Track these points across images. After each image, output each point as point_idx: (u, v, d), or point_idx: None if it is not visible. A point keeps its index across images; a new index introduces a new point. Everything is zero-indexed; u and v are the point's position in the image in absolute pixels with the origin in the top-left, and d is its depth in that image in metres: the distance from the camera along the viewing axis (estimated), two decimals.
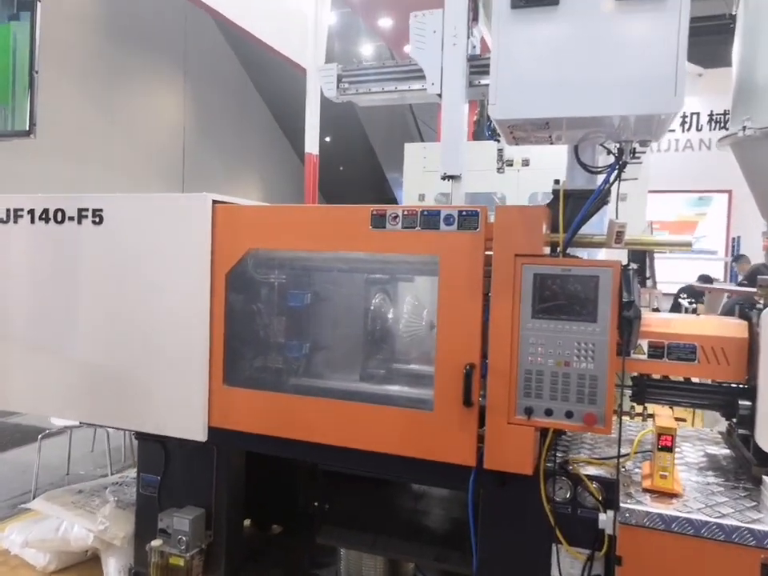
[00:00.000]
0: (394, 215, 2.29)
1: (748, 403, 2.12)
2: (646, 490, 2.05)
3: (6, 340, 2.98)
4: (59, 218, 2.82)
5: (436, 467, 2.26)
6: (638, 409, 2.38)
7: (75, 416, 3.07)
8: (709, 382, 2.31)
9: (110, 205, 2.75)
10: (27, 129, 2.73)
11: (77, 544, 3.12)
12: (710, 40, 7.37)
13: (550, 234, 2.21)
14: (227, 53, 13.97)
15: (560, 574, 2.13)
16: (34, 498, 3.54)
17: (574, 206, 2.18)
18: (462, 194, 3.00)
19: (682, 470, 2.24)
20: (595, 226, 2.31)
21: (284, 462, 2.86)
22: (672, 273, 7.78)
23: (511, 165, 4.51)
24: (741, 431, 2.25)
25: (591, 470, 2.18)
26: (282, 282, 2.78)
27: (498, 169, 3.33)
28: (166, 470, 2.86)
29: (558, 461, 2.20)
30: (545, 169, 4.05)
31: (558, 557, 2.14)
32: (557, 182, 2.27)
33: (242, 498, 2.93)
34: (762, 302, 2.26)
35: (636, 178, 3.31)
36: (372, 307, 2.67)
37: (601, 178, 2.22)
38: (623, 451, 2.16)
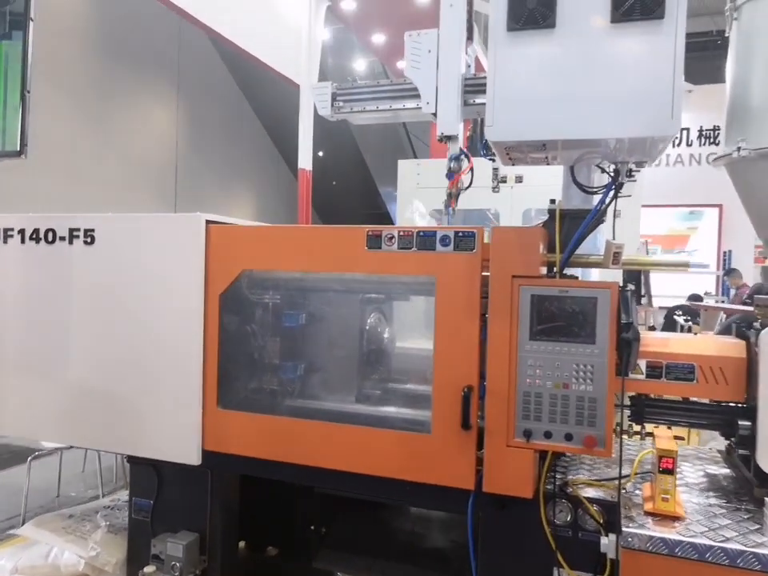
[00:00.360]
0: (389, 236, 2.27)
1: (748, 423, 2.10)
2: (647, 513, 2.02)
3: None
4: (50, 238, 2.77)
5: (434, 491, 2.23)
6: (636, 427, 2.36)
7: (66, 440, 3.02)
8: (707, 401, 2.30)
9: (102, 224, 2.70)
10: (18, 149, 2.70)
11: (67, 571, 3.03)
12: (698, 56, 7.49)
13: (546, 254, 2.20)
14: (221, 69, 13.97)
15: None
16: (23, 522, 3.48)
17: (570, 226, 2.18)
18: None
19: (682, 491, 2.22)
20: (588, 244, 2.30)
21: (280, 483, 2.81)
22: (663, 286, 7.80)
23: (505, 181, 4.51)
24: (741, 452, 2.23)
25: (591, 492, 2.16)
26: (276, 303, 2.75)
27: (494, 188, 3.32)
28: (158, 494, 2.80)
29: (557, 482, 2.17)
30: (538, 185, 4.06)
31: None
32: (552, 201, 2.26)
33: (237, 522, 2.87)
34: (761, 320, 2.25)
35: (630, 195, 3.31)
36: (368, 327, 2.65)
37: (597, 196, 2.22)
38: (623, 472, 2.13)
